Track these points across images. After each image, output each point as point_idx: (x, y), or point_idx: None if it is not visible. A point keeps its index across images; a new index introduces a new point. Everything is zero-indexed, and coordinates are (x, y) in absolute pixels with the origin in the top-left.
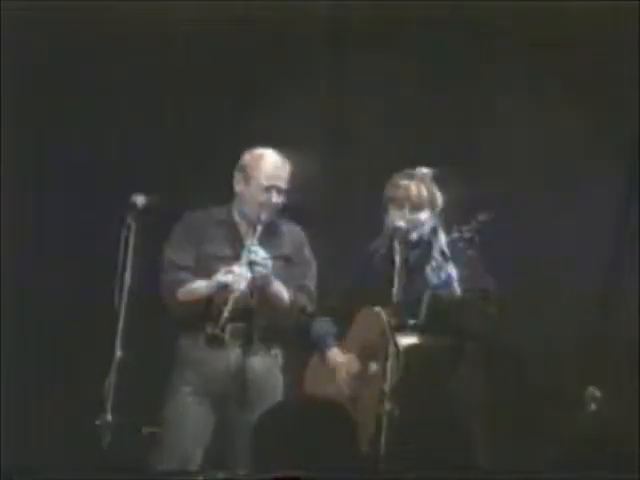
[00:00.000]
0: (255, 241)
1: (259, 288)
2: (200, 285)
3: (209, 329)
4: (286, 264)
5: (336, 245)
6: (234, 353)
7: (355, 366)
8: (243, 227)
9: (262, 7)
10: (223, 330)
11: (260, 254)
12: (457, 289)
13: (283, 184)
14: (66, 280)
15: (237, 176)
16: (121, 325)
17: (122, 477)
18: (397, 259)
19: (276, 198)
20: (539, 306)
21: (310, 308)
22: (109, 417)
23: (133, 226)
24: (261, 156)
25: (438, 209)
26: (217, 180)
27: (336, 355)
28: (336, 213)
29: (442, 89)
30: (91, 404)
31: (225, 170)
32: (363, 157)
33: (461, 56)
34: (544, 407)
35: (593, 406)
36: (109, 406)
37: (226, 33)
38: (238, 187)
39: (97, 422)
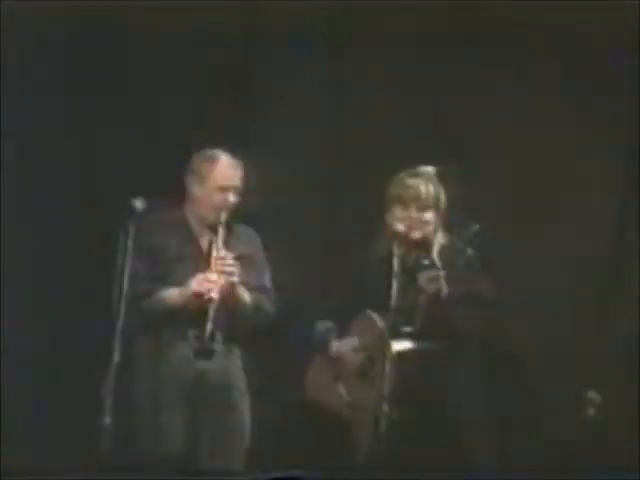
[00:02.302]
0: (221, 246)
1: (226, 293)
2: (171, 294)
3: (196, 343)
4: (244, 264)
5: (336, 246)
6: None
7: (355, 359)
8: (198, 229)
9: (262, 7)
10: (211, 342)
11: (229, 261)
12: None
13: (238, 184)
14: (65, 282)
15: (190, 179)
16: (119, 328)
17: (122, 477)
18: (395, 264)
19: (232, 198)
20: (539, 308)
21: (271, 309)
22: (108, 419)
23: (132, 230)
24: (214, 158)
25: (442, 209)
26: None
27: (339, 345)
28: (336, 212)
29: (442, 89)
30: (90, 406)
31: None
32: (363, 157)
33: (461, 56)
34: (544, 409)
35: (592, 411)
36: (108, 408)
37: (226, 33)
38: (192, 190)
39: (96, 424)
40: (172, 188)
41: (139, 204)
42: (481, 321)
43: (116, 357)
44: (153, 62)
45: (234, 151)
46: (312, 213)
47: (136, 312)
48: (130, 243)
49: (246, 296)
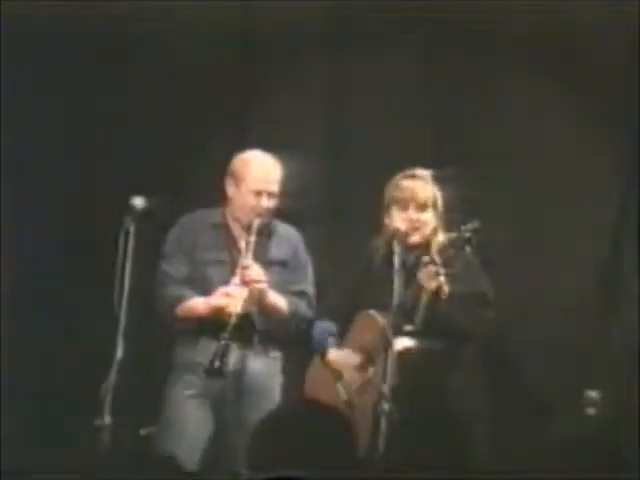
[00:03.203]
0: (249, 256)
1: (256, 301)
2: (197, 303)
3: (208, 362)
4: (282, 269)
5: (336, 246)
6: (233, 356)
7: (355, 359)
8: (237, 230)
9: (262, 7)
10: (222, 360)
11: (255, 270)
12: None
13: (274, 188)
14: (66, 282)
15: (228, 180)
16: (121, 327)
17: (121, 477)
18: (396, 261)
19: (267, 202)
20: (539, 308)
21: (309, 314)
22: (107, 419)
23: (132, 229)
24: (250, 160)
25: (440, 210)
26: (217, 182)
27: (335, 354)
28: (336, 213)
29: (442, 89)
30: (90, 405)
31: (224, 172)
32: (363, 157)
33: (461, 56)
34: (543, 408)
35: (591, 410)
36: (107, 408)
37: (226, 33)
38: (230, 191)
39: (96, 423)
40: (172, 187)
41: (139, 202)
42: (481, 320)
43: (119, 355)
44: (153, 62)
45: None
46: (312, 213)
47: (169, 315)
48: (130, 242)
49: (280, 301)
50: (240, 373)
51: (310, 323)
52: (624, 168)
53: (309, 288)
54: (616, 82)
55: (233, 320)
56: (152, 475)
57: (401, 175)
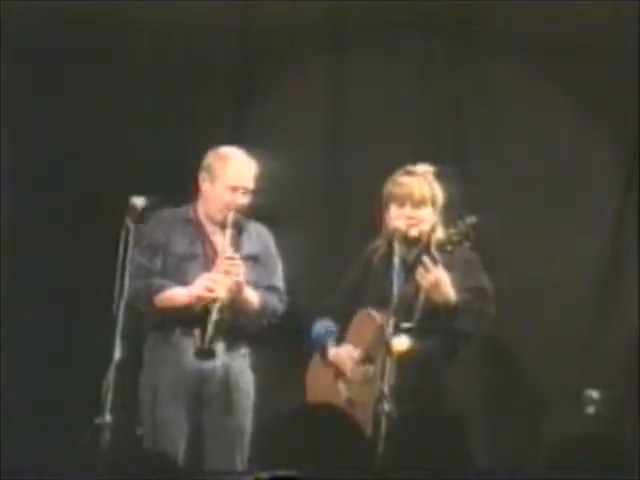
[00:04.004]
0: (229, 247)
1: (234, 293)
2: (180, 293)
3: (198, 343)
4: (254, 264)
5: (335, 245)
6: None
7: (355, 357)
8: (209, 226)
9: (261, 7)
10: (212, 343)
11: (236, 262)
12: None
13: (250, 184)
14: (65, 281)
15: (202, 175)
16: (120, 327)
17: (121, 477)
18: (396, 260)
19: (242, 198)
20: (539, 306)
21: (281, 308)
22: (108, 418)
23: (132, 228)
24: (227, 156)
25: (439, 206)
26: None
27: (336, 351)
28: (336, 212)
29: (442, 89)
30: (90, 405)
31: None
32: (363, 157)
33: (460, 56)
34: (543, 408)
35: (591, 409)
36: (108, 407)
37: (226, 33)
38: (203, 187)
39: (96, 422)
40: (172, 187)
41: (139, 202)
42: (481, 317)
43: (117, 354)
44: (153, 61)
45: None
46: (312, 213)
47: (146, 306)
48: (131, 241)
49: (253, 296)
50: (212, 370)
51: (310, 322)
52: (624, 168)
53: (280, 283)
54: (616, 82)
55: (218, 305)
56: (152, 475)
57: (400, 171)
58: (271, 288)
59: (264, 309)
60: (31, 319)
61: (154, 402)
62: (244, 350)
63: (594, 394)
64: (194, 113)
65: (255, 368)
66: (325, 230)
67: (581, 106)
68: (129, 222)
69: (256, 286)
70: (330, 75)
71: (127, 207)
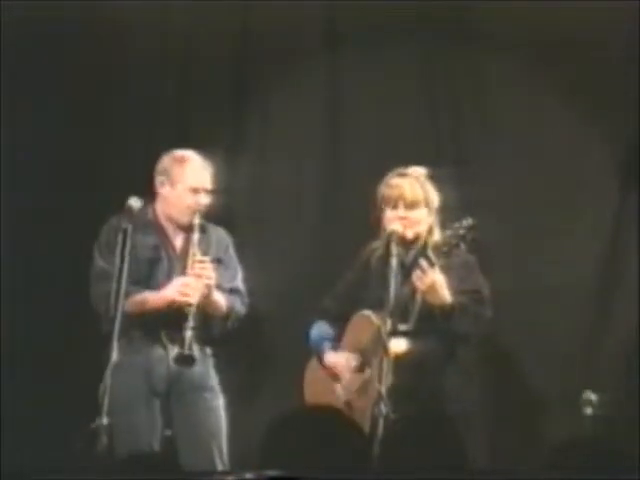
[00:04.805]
0: (197, 249)
1: (203, 296)
2: (152, 298)
3: (177, 350)
4: (217, 266)
5: (333, 246)
6: (171, 353)
7: (353, 360)
8: (170, 229)
9: (261, 7)
10: (191, 348)
11: (206, 264)
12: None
13: (209, 185)
14: (64, 282)
15: (160, 179)
16: (117, 329)
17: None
18: (393, 262)
19: (204, 199)
20: (537, 307)
21: (243, 311)
22: (105, 420)
23: (129, 229)
24: (185, 158)
25: (434, 208)
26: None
27: (332, 356)
28: (334, 213)
29: (441, 89)
30: (88, 407)
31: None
32: (361, 157)
33: (460, 56)
34: (543, 408)
35: (590, 410)
36: (104, 409)
37: (225, 33)
38: (162, 190)
39: (93, 425)
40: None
41: (136, 203)
42: (477, 319)
43: (114, 357)
44: (153, 61)
45: (232, 150)
46: (310, 213)
47: (110, 315)
48: (128, 242)
49: (220, 298)
50: (179, 371)
51: (307, 323)
52: (624, 168)
53: (241, 285)
54: (616, 82)
55: (193, 310)
56: (151, 475)
57: (392, 173)
58: (234, 290)
59: (230, 312)
60: (30, 320)
61: (124, 406)
62: (209, 351)
63: (593, 396)
64: (194, 113)
65: (219, 369)
66: (323, 231)
67: (580, 106)
68: (126, 223)
69: (220, 288)
70: (329, 75)
71: (124, 208)
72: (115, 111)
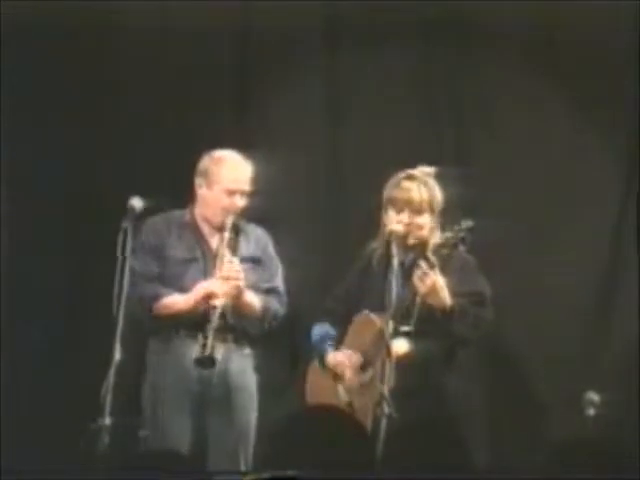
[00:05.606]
0: (227, 251)
1: (234, 297)
2: (176, 300)
3: (198, 352)
4: (254, 266)
5: (334, 246)
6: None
7: (354, 361)
8: (206, 230)
9: (261, 7)
10: (213, 351)
11: (235, 266)
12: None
13: (247, 187)
14: (65, 283)
15: (198, 180)
16: (120, 328)
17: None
18: (394, 262)
19: (240, 201)
20: (538, 308)
21: (281, 311)
22: (107, 420)
23: (130, 230)
24: (223, 159)
25: (438, 211)
26: None
27: (334, 356)
28: (335, 214)
29: (441, 89)
30: (90, 407)
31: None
32: (363, 157)
33: (460, 56)
34: (543, 409)
35: (592, 411)
36: (107, 409)
37: (225, 33)
38: (200, 191)
39: (94, 425)
40: (172, 188)
41: (138, 204)
42: (479, 322)
43: (116, 356)
44: (153, 62)
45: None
46: (312, 213)
47: (145, 314)
48: (129, 242)
49: (254, 299)
50: (216, 372)
51: (309, 324)
52: (624, 169)
53: (280, 285)
54: (616, 82)
55: (218, 312)
56: (151, 475)
57: (401, 175)
58: (272, 290)
59: (266, 312)
60: (31, 320)
61: (157, 405)
62: (247, 351)
63: (594, 396)
64: (194, 113)
65: (258, 369)
66: (325, 232)
67: (581, 107)
68: (127, 223)
69: (256, 288)
70: (330, 76)
71: (126, 208)
72: (115, 111)
